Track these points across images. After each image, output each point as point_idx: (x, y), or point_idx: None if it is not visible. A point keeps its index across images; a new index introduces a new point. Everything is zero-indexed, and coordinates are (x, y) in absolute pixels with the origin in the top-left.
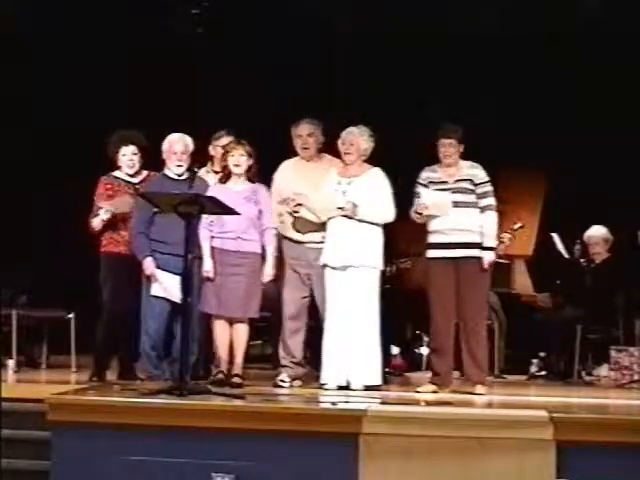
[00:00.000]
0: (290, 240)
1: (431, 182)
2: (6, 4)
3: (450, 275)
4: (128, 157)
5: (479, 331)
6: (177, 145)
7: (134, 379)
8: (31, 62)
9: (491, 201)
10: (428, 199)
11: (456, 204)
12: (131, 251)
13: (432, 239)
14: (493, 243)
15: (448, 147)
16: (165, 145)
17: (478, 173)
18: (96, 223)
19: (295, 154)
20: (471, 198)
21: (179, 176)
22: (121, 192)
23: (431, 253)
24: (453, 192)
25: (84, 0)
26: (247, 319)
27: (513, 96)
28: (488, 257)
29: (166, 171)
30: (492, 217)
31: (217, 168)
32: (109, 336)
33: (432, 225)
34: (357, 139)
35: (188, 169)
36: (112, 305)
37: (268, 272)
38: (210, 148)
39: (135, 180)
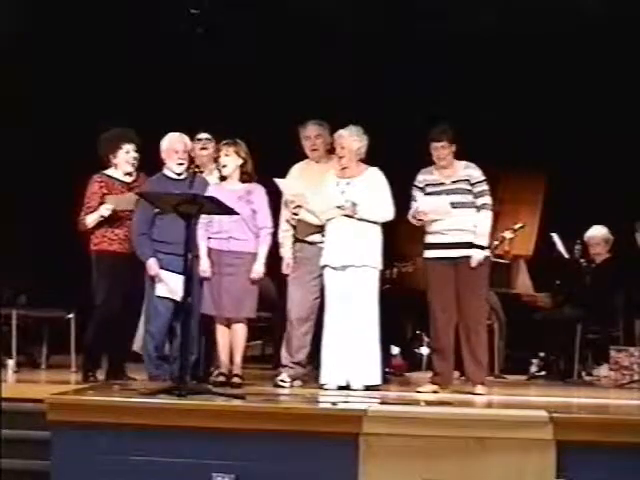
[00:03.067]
0: (303, 242)
1: (428, 184)
2: (6, 4)
3: (449, 275)
4: (132, 155)
5: (480, 331)
6: (178, 144)
7: (123, 378)
8: (31, 62)
9: (487, 200)
10: (426, 205)
11: (454, 205)
12: (125, 250)
13: (430, 239)
14: (484, 242)
15: (440, 150)
16: (165, 144)
17: (474, 173)
18: (91, 220)
19: (296, 155)
20: (468, 198)
21: (179, 175)
22: (116, 191)
23: (428, 253)
24: (451, 193)
25: (84, 0)
26: (245, 319)
27: (513, 96)
28: (477, 255)
29: (165, 171)
30: (486, 216)
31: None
32: (100, 336)
33: (431, 226)
34: (347, 141)
35: (188, 168)
36: (106, 305)
37: (257, 270)
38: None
39: (128, 180)
